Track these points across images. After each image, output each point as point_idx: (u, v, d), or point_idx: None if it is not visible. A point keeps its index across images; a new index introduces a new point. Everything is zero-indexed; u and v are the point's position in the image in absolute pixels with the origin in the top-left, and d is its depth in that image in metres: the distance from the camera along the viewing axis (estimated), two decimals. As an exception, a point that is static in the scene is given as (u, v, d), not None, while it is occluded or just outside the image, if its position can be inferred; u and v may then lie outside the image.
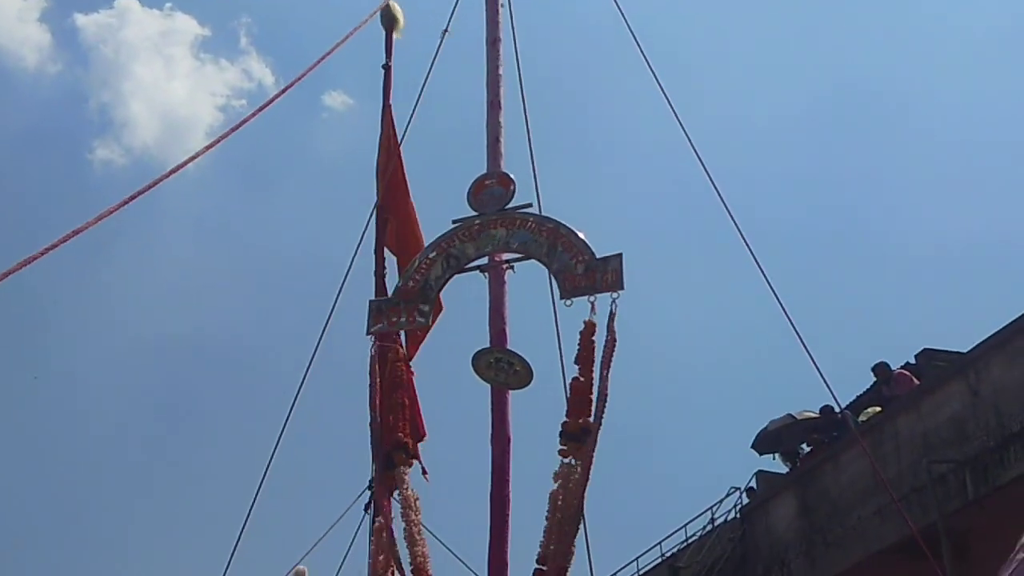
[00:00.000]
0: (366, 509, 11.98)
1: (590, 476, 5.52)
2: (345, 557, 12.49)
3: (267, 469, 10.68)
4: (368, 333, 6.71)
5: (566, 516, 5.46)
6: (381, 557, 6.01)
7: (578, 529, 5.56)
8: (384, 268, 10.32)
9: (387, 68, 10.93)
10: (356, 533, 12.13)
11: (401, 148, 9.61)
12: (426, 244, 7.56)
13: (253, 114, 7.22)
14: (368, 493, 11.96)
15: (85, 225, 5.15)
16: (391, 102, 10.80)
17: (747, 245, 8.26)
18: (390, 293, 9.95)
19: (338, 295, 9.71)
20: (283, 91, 7.75)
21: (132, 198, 5.73)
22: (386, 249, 10.28)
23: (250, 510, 10.95)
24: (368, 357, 10.18)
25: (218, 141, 6.90)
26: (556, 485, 5.52)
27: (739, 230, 8.29)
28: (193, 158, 6.62)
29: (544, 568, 5.55)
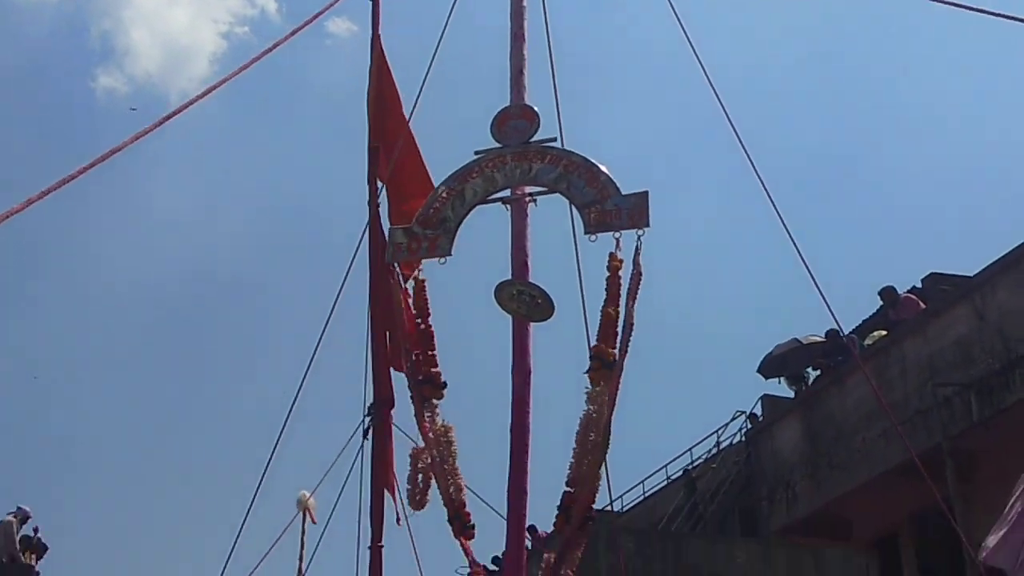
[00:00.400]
0: (365, 435, 12.29)
1: (614, 403, 5.71)
2: (345, 482, 12.81)
3: (293, 404, 10.92)
4: (389, 261, 6.81)
5: (596, 443, 5.64)
6: (420, 477, 6.16)
7: (606, 453, 5.78)
8: (377, 198, 10.52)
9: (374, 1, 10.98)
10: (356, 458, 12.47)
11: (425, 82, 9.62)
12: (432, 175, 7.61)
13: (260, 56, 7.20)
14: (367, 420, 12.28)
15: (92, 163, 5.16)
16: (380, 32, 10.76)
17: (756, 172, 8.32)
18: (384, 222, 10.27)
19: (364, 230, 9.81)
20: (291, 35, 7.72)
21: (143, 133, 5.79)
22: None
23: (277, 442, 11.23)
24: (367, 284, 10.49)
25: (224, 81, 6.83)
26: (589, 407, 5.70)
27: (749, 158, 8.35)
28: (202, 96, 6.59)
29: (572, 490, 5.75)
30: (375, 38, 10.85)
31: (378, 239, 10.78)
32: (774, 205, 8.27)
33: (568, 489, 5.73)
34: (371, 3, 10.87)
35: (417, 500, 6.17)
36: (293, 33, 6.12)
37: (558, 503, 5.80)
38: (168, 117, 6.09)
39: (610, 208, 5.74)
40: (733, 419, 23.12)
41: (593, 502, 5.87)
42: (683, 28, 8.32)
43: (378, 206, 10.56)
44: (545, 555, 5.88)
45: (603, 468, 5.93)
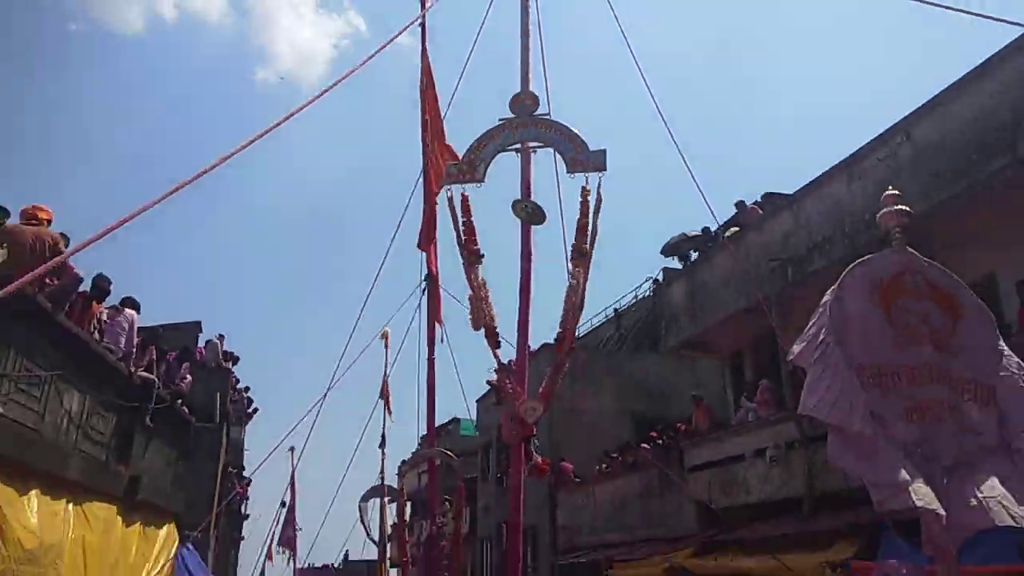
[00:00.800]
0: (423, 293, 12.72)
1: (587, 278, 5.91)
2: (411, 321, 13.30)
3: (377, 273, 11.23)
4: (446, 184, 6.69)
5: (575, 303, 5.86)
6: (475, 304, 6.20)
7: (582, 311, 6.02)
8: (427, 146, 10.80)
9: (422, 25, 11.02)
10: (418, 305, 12.93)
11: (462, 75, 9.69)
12: (465, 136, 7.68)
13: (364, 63, 7.15)
14: (424, 283, 12.70)
15: (265, 131, 5.32)
16: (426, 45, 11.01)
17: (676, 145, 8.40)
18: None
19: (423, 169, 9.94)
20: (381, 48, 7.69)
21: (290, 116, 5.85)
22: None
23: (367, 297, 11.53)
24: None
25: (341, 80, 6.87)
26: (571, 280, 5.92)
27: (675, 141, 8.39)
28: (326, 91, 6.63)
29: (563, 330, 5.99)
30: (423, 51, 10.99)
31: (428, 174, 11.08)
32: (683, 158, 8.50)
33: (560, 330, 5.97)
34: (421, 28, 10.98)
35: (475, 322, 6.26)
36: (380, 48, 6.11)
37: (555, 338, 6.00)
38: (306, 105, 6.14)
39: (582, 158, 5.85)
40: (645, 281, 23.73)
41: (574, 337, 6.11)
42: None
43: (428, 155, 10.81)
44: (549, 369, 6.08)
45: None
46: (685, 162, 8.14)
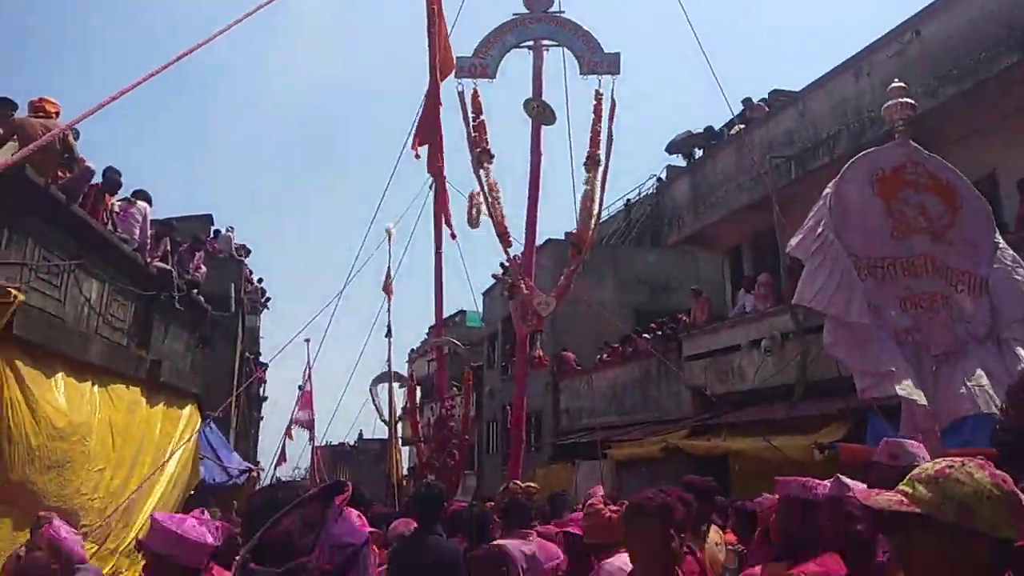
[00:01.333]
0: (430, 188, 12.62)
1: (605, 187, 5.79)
2: (418, 218, 13.24)
3: (393, 172, 11.06)
4: (457, 76, 6.52)
5: (590, 206, 5.79)
6: (474, 210, 6.19)
7: (599, 214, 5.93)
8: (433, 51, 10.50)
9: None
10: (424, 203, 12.85)
11: None
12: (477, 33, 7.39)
13: None
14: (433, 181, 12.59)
15: (227, 26, 5.03)
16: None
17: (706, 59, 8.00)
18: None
19: (431, 69, 9.60)
20: None
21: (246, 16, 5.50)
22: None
23: (381, 199, 11.45)
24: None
25: None
26: (585, 187, 5.82)
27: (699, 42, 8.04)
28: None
29: (577, 233, 5.95)
30: None
31: (434, 71, 10.74)
32: (700, 45, 8.18)
33: (575, 232, 5.91)
34: None
35: (474, 222, 6.25)
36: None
37: (571, 242, 5.94)
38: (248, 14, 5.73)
39: (596, 60, 5.70)
40: (649, 178, 23.53)
41: (587, 243, 6.03)
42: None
43: (434, 56, 10.47)
44: (551, 263, 6.07)
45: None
46: (703, 50, 7.81)
